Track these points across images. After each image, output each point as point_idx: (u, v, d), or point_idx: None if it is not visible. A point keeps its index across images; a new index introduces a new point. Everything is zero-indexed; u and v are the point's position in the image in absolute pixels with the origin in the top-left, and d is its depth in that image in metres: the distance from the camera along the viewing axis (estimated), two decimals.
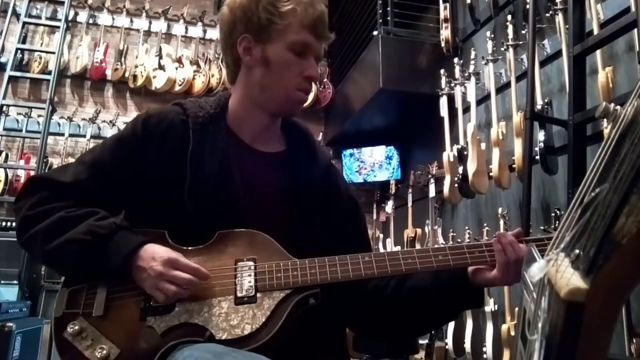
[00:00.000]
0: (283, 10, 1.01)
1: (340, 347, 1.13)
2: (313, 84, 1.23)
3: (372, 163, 4.77)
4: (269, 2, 1.02)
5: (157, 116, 1.07)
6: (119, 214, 1.04)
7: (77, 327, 0.95)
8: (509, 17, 2.81)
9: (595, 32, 2.06)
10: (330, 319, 1.06)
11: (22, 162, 4.27)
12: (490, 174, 2.73)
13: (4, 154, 4.30)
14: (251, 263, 0.98)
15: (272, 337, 0.91)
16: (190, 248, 1.00)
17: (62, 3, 4.39)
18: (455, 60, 3.31)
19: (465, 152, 2.98)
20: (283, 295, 0.95)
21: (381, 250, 4.21)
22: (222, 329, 0.92)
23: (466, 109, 3.14)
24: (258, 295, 0.95)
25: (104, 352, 0.93)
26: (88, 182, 1.03)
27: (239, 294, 0.95)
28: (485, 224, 2.95)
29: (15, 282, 3.56)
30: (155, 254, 0.94)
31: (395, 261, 0.98)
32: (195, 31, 4.91)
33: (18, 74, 4.30)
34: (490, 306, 2.76)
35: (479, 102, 3.14)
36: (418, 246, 3.72)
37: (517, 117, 2.55)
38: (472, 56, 3.08)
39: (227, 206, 1.03)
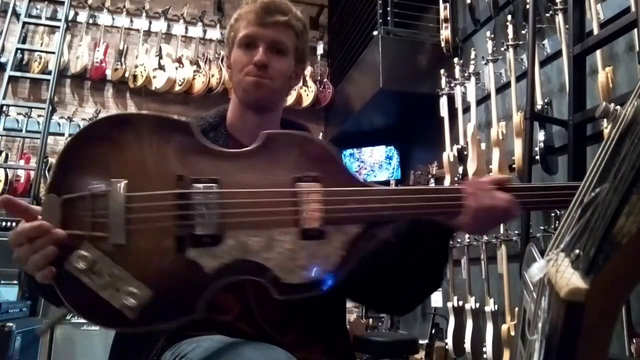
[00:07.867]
0: (233, 21, 1.15)
1: (342, 322, 1.13)
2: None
3: (372, 163, 4.77)
4: (231, 21, 1.16)
5: None
6: None
7: (86, 260, 0.70)
8: (509, 17, 2.80)
9: (595, 32, 2.06)
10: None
11: (22, 162, 4.26)
12: (490, 174, 2.72)
13: (4, 154, 4.29)
14: (316, 185, 0.79)
15: (349, 280, 0.78)
16: (227, 150, 0.86)
17: (62, 3, 4.39)
18: (455, 60, 3.31)
19: (465, 152, 2.98)
20: (359, 231, 0.78)
21: None
22: (289, 270, 0.74)
23: (466, 109, 3.14)
24: (329, 229, 0.77)
25: (132, 293, 0.70)
26: None
27: (305, 226, 0.77)
28: None
29: (15, 282, 3.55)
30: None
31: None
32: (195, 31, 4.91)
33: (18, 74, 4.30)
34: (490, 306, 2.76)
35: (479, 102, 3.13)
36: None
37: (517, 117, 2.55)
38: (472, 56, 3.08)
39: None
